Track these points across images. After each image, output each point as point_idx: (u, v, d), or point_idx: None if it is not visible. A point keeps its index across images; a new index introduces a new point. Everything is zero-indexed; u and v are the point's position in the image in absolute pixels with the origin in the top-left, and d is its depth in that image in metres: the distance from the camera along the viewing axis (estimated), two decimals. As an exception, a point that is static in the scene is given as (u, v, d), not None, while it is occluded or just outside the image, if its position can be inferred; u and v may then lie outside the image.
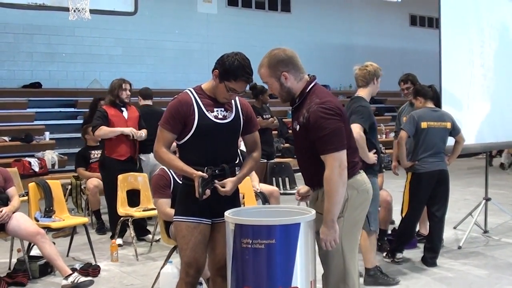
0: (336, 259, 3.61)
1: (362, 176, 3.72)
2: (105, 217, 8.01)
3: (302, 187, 4.07)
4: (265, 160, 8.65)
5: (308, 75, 3.68)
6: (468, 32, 7.43)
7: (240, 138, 4.12)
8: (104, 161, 7.46)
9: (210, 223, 3.88)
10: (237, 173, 3.94)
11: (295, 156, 3.99)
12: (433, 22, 21.92)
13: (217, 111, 3.85)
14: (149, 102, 8.44)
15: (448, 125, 6.24)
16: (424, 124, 6.14)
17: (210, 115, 3.81)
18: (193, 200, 3.76)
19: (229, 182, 3.82)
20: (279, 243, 3.24)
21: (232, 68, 3.70)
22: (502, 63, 7.88)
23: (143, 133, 7.38)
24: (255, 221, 3.35)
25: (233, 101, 3.96)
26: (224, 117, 3.86)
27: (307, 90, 3.61)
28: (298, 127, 3.59)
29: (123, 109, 7.46)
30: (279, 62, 3.58)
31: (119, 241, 7.16)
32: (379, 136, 16.97)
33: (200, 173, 3.68)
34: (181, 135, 3.83)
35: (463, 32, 7.36)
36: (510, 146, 11.10)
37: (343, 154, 3.42)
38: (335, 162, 3.38)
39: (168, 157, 3.83)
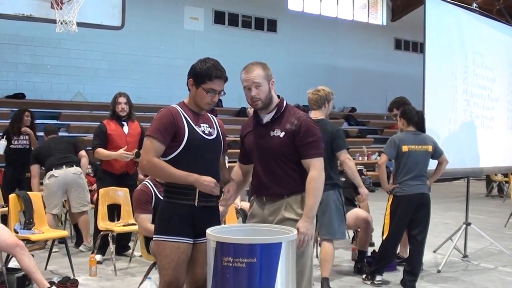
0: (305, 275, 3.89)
1: None
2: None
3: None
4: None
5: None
6: (452, 58, 7.51)
7: None
8: (99, 173, 7.51)
9: (192, 242, 3.81)
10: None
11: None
12: (418, 47, 22.19)
13: (203, 126, 3.84)
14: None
15: (430, 148, 6.27)
16: (405, 148, 6.17)
17: (198, 130, 3.80)
18: (177, 219, 3.74)
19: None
20: (260, 262, 3.22)
21: (204, 70, 3.78)
22: (485, 89, 7.98)
23: (129, 157, 7.06)
24: (236, 239, 3.33)
25: (212, 119, 3.98)
26: (210, 133, 3.86)
27: (285, 105, 3.95)
28: (283, 133, 3.84)
29: (124, 123, 7.33)
30: (269, 70, 3.93)
31: (98, 257, 7.06)
32: (361, 158, 17.28)
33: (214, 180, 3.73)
34: (169, 150, 3.74)
35: (447, 57, 7.43)
36: (491, 171, 11.19)
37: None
38: (321, 165, 3.83)
39: (163, 165, 3.71)
